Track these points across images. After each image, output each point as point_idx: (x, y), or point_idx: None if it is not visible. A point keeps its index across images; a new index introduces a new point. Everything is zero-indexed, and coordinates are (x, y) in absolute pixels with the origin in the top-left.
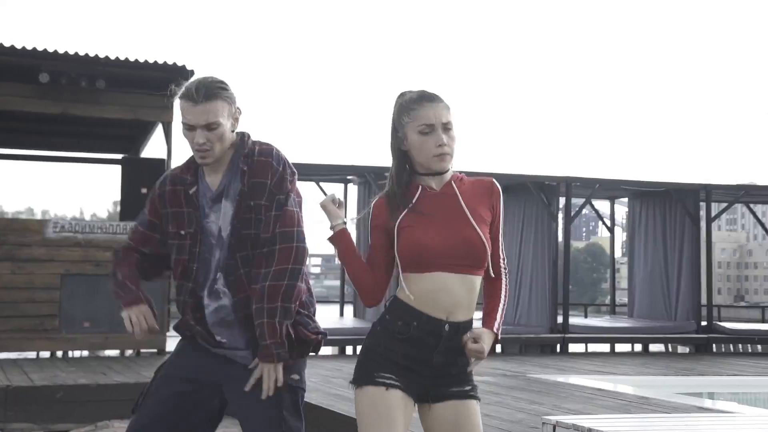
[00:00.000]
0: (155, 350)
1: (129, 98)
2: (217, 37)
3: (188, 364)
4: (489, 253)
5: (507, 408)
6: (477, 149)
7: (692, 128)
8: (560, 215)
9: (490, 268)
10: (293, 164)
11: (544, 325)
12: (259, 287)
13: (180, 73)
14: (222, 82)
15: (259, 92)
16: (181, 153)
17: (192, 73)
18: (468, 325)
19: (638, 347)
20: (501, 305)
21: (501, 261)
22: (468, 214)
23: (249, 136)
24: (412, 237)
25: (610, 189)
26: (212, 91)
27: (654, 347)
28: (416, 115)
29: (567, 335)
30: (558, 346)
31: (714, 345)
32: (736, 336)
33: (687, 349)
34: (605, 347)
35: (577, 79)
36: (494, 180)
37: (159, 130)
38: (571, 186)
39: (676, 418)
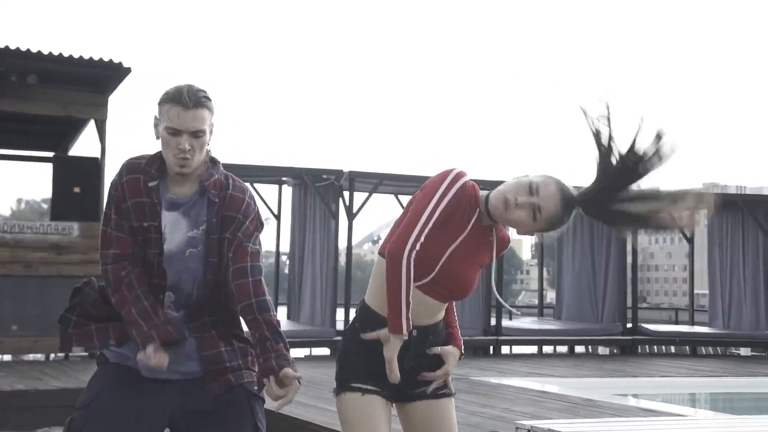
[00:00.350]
0: (86, 354)
1: (61, 95)
2: (153, 34)
3: (132, 416)
4: None
5: (460, 411)
6: (420, 148)
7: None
8: None
9: None
10: (227, 165)
11: (477, 328)
12: (260, 315)
13: (116, 70)
14: (206, 92)
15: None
16: (115, 152)
17: (129, 70)
18: (435, 328)
19: (563, 348)
20: (457, 320)
21: None
22: (493, 259)
23: (220, 162)
24: (437, 249)
25: None
26: (200, 99)
27: (578, 348)
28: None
29: (500, 337)
30: (491, 348)
31: (639, 346)
32: (659, 338)
33: (607, 350)
34: (533, 349)
35: (507, 83)
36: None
37: (89, 127)
38: None
39: (642, 422)
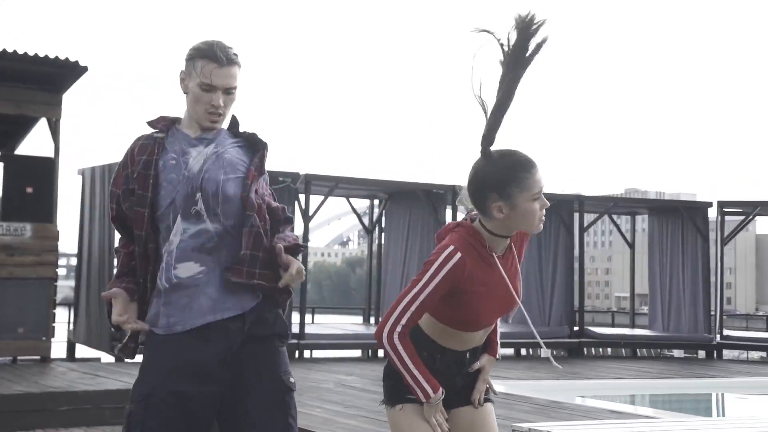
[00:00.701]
0: (38, 357)
1: (15, 92)
2: (103, 30)
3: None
4: None
5: None
6: (368, 154)
7: (566, 140)
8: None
9: None
10: None
11: None
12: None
13: (72, 68)
14: (234, 48)
15: (153, 88)
16: (68, 152)
17: (85, 69)
18: (482, 346)
19: (508, 351)
20: (499, 331)
21: None
22: (520, 280)
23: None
24: (473, 306)
25: None
26: (231, 56)
27: (521, 351)
28: (529, 184)
29: None
30: None
31: (585, 349)
32: (605, 340)
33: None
34: None
35: (456, 90)
36: None
37: (38, 126)
38: (457, 194)
39: (624, 424)
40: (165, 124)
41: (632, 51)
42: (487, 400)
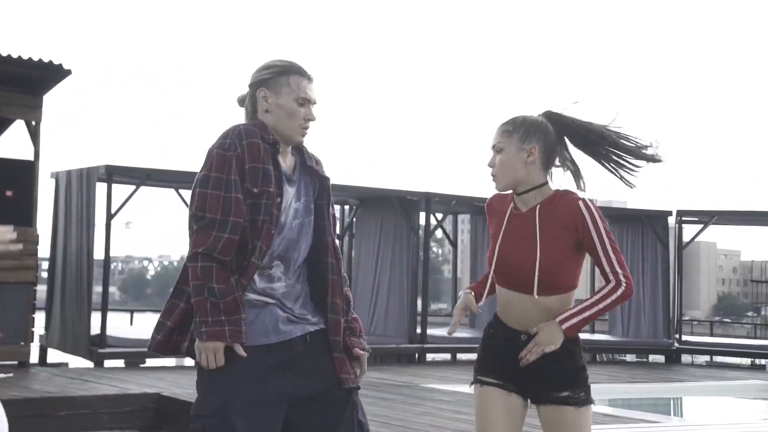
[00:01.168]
0: (15, 362)
1: None
2: (77, 31)
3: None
4: (553, 278)
5: (436, 418)
6: (340, 160)
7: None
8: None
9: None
10: (149, 169)
11: (403, 336)
12: (342, 289)
13: (55, 71)
14: None
15: (133, 95)
16: (48, 154)
17: (69, 72)
18: None
19: (473, 356)
20: (587, 303)
21: (610, 274)
22: (537, 240)
23: None
24: (494, 248)
25: (466, 204)
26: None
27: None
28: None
29: (426, 345)
30: (416, 355)
31: None
32: None
33: None
34: (446, 356)
35: (432, 97)
36: (581, 201)
37: (12, 129)
38: (431, 201)
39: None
40: (273, 135)
41: (579, 56)
42: (568, 402)
